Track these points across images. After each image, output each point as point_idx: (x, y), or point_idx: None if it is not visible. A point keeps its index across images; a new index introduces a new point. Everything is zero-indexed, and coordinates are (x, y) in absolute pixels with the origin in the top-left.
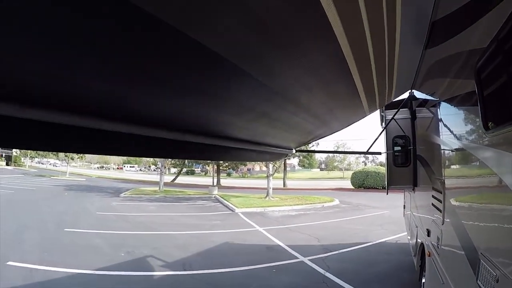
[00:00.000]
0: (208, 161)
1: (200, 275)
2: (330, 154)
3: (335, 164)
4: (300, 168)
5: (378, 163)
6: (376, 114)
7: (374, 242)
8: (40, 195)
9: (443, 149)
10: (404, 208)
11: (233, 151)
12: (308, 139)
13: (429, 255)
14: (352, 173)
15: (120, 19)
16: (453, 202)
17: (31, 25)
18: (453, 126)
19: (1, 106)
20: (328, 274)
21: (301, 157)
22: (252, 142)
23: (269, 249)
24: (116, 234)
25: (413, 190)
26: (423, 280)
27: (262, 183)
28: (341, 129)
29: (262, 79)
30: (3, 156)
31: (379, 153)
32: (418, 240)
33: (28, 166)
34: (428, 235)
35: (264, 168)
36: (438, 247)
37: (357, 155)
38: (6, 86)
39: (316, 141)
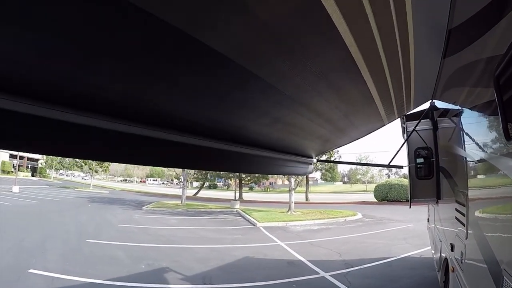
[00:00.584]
0: (231, 175)
1: None
2: (353, 167)
3: (358, 177)
4: (323, 181)
5: (402, 175)
6: (399, 125)
7: (397, 257)
8: (64, 206)
9: (466, 160)
10: (428, 221)
11: (253, 159)
12: (327, 147)
13: (453, 271)
14: (375, 186)
15: (136, 26)
16: (476, 215)
17: (58, 31)
18: (475, 136)
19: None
20: None
21: (324, 171)
22: (271, 149)
23: (290, 264)
24: (137, 247)
25: (436, 203)
26: None
27: (284, 197)
28: (360, 137)
29: (272, 82)
30: (29, 167)
31: (401, 167)
32: (442, 254)
33: (53, 177)
34: (452, 249)
35: (286, 182)
36: (461, 263)
37: (380, 168)
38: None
39: (339, 154)
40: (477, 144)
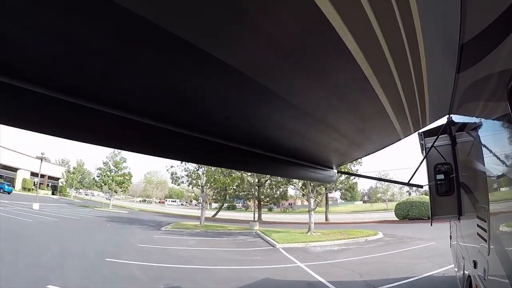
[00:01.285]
0: (249, 196)
1: None
2: (373, 186)
3: (378, 195)
4: (343, 201)
5: (423, 192)
6: (416, 140)
7: (420, 276)
8: (83, 224)
9: (486, 175)
10: (450, 238)
11: (278, 164)
12: (344, 160)
13: None
14: (396, 204)
15: (162, 45)
16: (498, 230)
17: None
18: (494, 149)
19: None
20: None
21: (343, 190)
22: (294, 157)
23: (310, 285)
24: (156, 267)
25: (458, 219)
26: None
27: (304, 218)
28: (376, 150)
29: (287, 97)
30: (50, 185)
31: (421, 186)
32: (465, 272)
33: (73, 196)
34: (475, 266)
35: (305, 203)
36: (484, 279)
37: (400, 185)
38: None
39: (364, 170)
40: (496, 157)
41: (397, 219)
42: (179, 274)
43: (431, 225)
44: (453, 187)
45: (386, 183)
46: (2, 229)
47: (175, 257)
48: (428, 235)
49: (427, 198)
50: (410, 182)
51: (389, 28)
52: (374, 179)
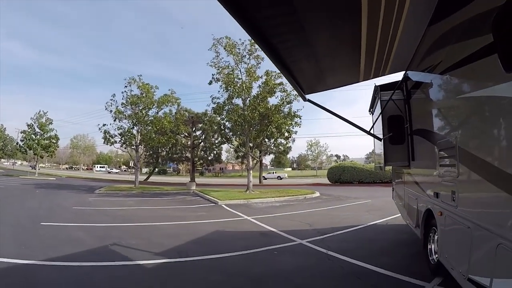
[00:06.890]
0: (183, 159)
1: (200, 261)
2: (302, 153)
3: (307, 163)
4: (272, 167)
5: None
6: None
7: (366, 225)
8: (10, 192)
9: (440, 120)
10: (393, 190)
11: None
12: (309, 87)
13: (441, 214)
14: (329, 168)
15: None
16: (464, 151)
17: None
18: (443, 101)
19: None
20: (331, 253)
21: (277, 154)
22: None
23: (263, 234)
24: (98, 227)
25: (408, 166)
26: (430, 246)
27: (237, 181)
28: (334, 87)
29: None
30: None
31: (380, 139)
32: (420, 210)
33: None
34: (437, 197)
35: (237, 167)
36: (454, 200)
37: (329, 154)
38: None
39: (296, 135)
40: (444, 108)
41: (330, 183)
42: (125, 233)
43: (385, 170)
44: (405, 137)
45: (317, 151)
46: None
47: (116, 217)
48: (362, 195)
49: (358, 163)
50: (371, 132)
51: None
52: (341, 118)
